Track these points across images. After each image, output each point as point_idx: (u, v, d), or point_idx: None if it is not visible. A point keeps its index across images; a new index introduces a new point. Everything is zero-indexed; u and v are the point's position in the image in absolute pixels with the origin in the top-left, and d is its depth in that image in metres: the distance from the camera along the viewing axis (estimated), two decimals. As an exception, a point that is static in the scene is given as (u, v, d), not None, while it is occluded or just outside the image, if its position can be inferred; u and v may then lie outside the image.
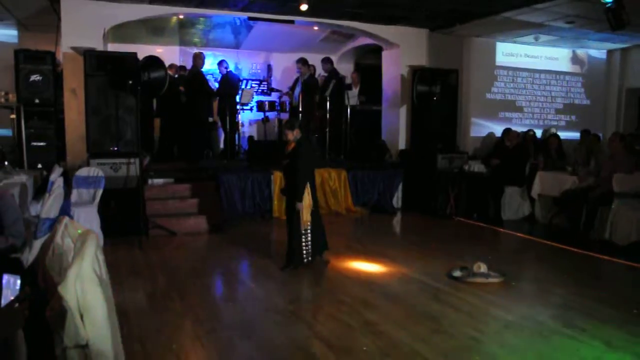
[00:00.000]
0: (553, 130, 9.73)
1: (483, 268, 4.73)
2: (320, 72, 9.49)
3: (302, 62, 8.85)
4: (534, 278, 5.11)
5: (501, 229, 7.11)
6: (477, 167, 8.28)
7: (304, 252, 4.94)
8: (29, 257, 3.34)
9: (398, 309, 4.03)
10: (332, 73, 9.03)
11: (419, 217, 7.91)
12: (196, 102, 8.45)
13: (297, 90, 8.97)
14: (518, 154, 7.91)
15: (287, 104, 9.60)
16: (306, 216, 4.84)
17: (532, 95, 10.33)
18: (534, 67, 10.25)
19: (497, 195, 7.62)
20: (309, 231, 4.92)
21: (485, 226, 7.27)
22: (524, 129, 9.71)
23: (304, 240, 4.91)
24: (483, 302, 4.15)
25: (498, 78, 9.91)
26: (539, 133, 9.91)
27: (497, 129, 9.43)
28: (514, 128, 8.77)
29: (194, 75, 8.55)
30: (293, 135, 4.86)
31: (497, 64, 9.86)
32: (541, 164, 7.80)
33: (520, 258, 5.81)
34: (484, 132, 9.70)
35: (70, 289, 2.03)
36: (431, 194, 8.06)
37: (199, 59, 8.58)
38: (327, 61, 9.15)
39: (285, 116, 9.77)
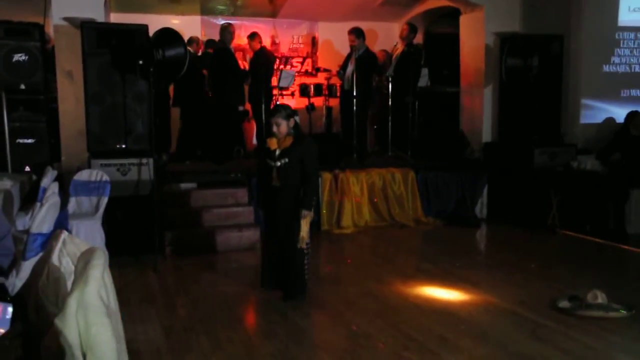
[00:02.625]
0: None
1: (601, 298, 4.59)
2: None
3: (356, 33, 8.83)
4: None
5: (626, 246, 6.85)
6: (591, 163, 8.04)
7: (306, 276, 4.99)
8: (15, 282, 3.36)
9: (485, 349, 3.95)
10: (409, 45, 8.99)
11: (511, 230, 7.76)
12: (224, 86, 8.59)
13: (349, 69, 8.94)
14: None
15: (338, 87, 9.62)
16: (305, 229, 4.84)
17: (671, 64, 9.84)
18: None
19: (620, 200, 7.35)
20: (309, 249, 5.02)
21: (602, 242, 7.03)
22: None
23: (306, 261, 4.97)
24: (602, 344, 4.00)
25: (621, 43, 9.52)
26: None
27: (619, 113, 9.07)
28: (643, 111, 8.42)
29: (221, 52, 8.70)
30: (288, 127, 4.86)
31: (620, 23, 9.47)
32: None
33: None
34: (599, 118, 9.35)
35: (71, 321, 2.07)
36: (527, 200, 7.89)
37: (227, 32, 8.72)
38: (413, 30, 9.10)
39: (335, 102, 9.79)
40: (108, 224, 5.89)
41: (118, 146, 6.57)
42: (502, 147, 8.67)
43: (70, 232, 4.99)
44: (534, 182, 7.91)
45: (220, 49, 8.77)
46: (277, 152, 4.86)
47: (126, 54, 6.38)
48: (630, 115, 8.18)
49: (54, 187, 4.46)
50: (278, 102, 8.83)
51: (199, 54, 9.38)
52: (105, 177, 5.94)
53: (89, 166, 6.27)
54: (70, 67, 7.01)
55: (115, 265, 5.40)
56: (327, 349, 3.98)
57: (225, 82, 8.60)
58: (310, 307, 4.79)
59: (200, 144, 9.01)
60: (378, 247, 7.01)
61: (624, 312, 4.51)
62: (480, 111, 9.02)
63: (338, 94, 9.62)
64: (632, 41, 9.57)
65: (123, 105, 6.55)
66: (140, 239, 6.21)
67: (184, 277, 5.71)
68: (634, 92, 9.61)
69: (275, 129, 4.88)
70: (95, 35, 6.46)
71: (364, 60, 8.72)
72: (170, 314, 4.68)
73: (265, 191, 5.05)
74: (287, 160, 4.84)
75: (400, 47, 9.07)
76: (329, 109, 10.16)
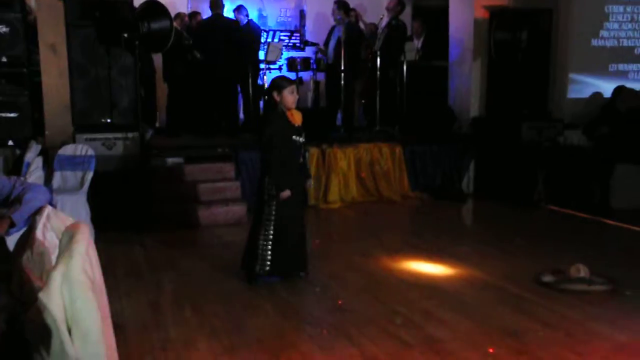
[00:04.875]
0: None
1: (584, 272, 4.65)
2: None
3: (340, 5, 8.78)
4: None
5: (610, 221, 6.92)
6: (577, 138, 8.10)
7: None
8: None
9: (469, 322, 4.00)
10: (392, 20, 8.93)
11: (497, 205, 7.81)
12: (219, 58, 8.49)
13: (332, 43, 8.91)
14: (636, 120, 7.67)
15: (325, 61, 9.57)
16: None
17: (661, 38, 9.85)
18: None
19: (605, 175, 7.41)
20: None
21: (587, 217, 7.10)
22: (646, 86, 9.34)
23: None
24: (584, 317, 4.07)
25: (610, 17, 9.49)
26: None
27: (607, 88, 9.09)
28: (630, 85, 8.45)
29: (218, 22, 8.61)
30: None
31: (610, -4, 9.44)
32: None
33: (638, 260, 5.64)
34: (587, 93, 9.37)
35: (55, 295, 2.09)
36: (513, 175, 7.93)
37: (217, 3, 8.62)
38: (400, 4, 9.03)
39: (322, 77, 9.75)
40: (94, 198, 5.89)
41: (103, 120, 6.55)
42: (490, 122, 8.69)
43: (55, 206, 5.01)
44: (521, 157, 7.95)
45: (217, 18, 8.64)
46: (299, 127, 4.71)
47: (110, 26, 6.32)
48: (617, 90, 8.22)
49: (38, 162, 4.47)
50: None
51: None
52: (91, 152, 5.93)
53: (74, 140, 6.25)
54: (53, 39, 6.89)
55: (101, 240, 5.44)
56: (313, 323, 4.03)
57: (220, 53, 8.50)
58: (298, 282, 4.83)
59: (189, 118, 8.96)
60: (365, 222, 7.06)
61: (605, 285, 4.58)
62: (468, 86, 9.00)
63: (324, 68, 9.58)
64: (622, 15, 9.54)
65: (108, 79, 6.52)
66: (126, 213, 6.22)
67: (171, 252, 5.72)
68: (621, 67, 9.63)
69: (294, 101, 4.67)
70: (79, 7, 6.43)
71: (348, 34, 8.68)
72: (156, 289, 4.70)
73: (293, 170, 4.75)
74: (304, 134, 4.75)
75: (385, 19, 9.01)
76: (317, 83, 10.12)
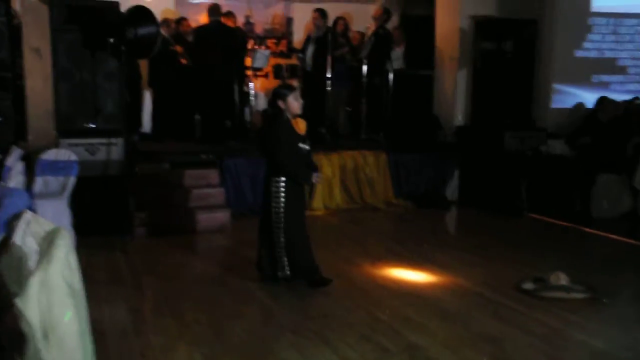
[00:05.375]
0: None
1: (564, 280, 4.70)
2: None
3: (320, 13, 8.84)
4: (635, 295, 5.01)
5: (590, 230, 6.99)
6: (560, 148, 8.16)
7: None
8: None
9: (450, 329, 4.04)
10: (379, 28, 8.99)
11: (480, 213, 7.86)
12: (217, 62, 8.48)
13: (309, 50, 8.97)
14: (617, 131, 7.75)
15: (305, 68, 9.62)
16: None
17: (641, 51, 9.98)
18: (648, 10, 9.87)
19: (587, 185, 7.48)
20: None
21: (568, 225, 7.16)
22: (627, 97, 9.43)
23: None
24: (562, 324, 4.11)
25: (593, 29, 9.61)
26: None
27: (589, 98, 9.19)
28: (612, 96, 8.54)
29: (217, 27, 8.62)
30: None
31: (593, 9, 9.54)
32: None
33: (616, 268, 5.70)
34: (570, 103, 9.47)
35: (32, 301, 2.08)
36: (496, 184, 7.97)
37: (216, 10, 8.68)
38: (386, 13, 9.10)
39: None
40: (76, 204, 5.86)
41: (87, 125, 6.51)
42: (474, 130, 8.73)
43: (35, 212, 4.98)
44: (504, 166, 7.99)
45: (216, 24, 8.67)
46: (304, 135, 4.74)
47: (96, 31, 6.30)
48: (599, 101, 8.29)
49: (19, 167, 4.44)
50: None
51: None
52: (73, 157, 5.90)
53: (57, 145, 6.21)
54: (38, 43, 6.88)
55: (83, 246, 5.42)
56: (294, 329, 4.02)
57: (218, 57, 8.51)
58: (279, 288, 4.82)
59: (174, 124, 8.96)
60: (348, 229, 7.07)
61: (585, 293, 4.63)
62: (453, 94, 9.06)
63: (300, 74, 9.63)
64: (604, 27, 9.67)
65: (93, 84, 6.49)
66: (109, 219, 6.19)
67: (153, 258, 5.70)
68: (604, 77, 9.75)
69: (299, 106, 4.68)
70: (65, 12, 6.38)
71: (322, 41, 8.71)
72: (137, 295, 4.69)
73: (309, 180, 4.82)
74: (309, 142, 4.79)
75: (372, 28, 9.07)
76: (303, 91, 10.10)
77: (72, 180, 5.75)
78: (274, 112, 4.71)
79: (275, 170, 4.68)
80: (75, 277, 2.46)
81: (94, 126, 6.51)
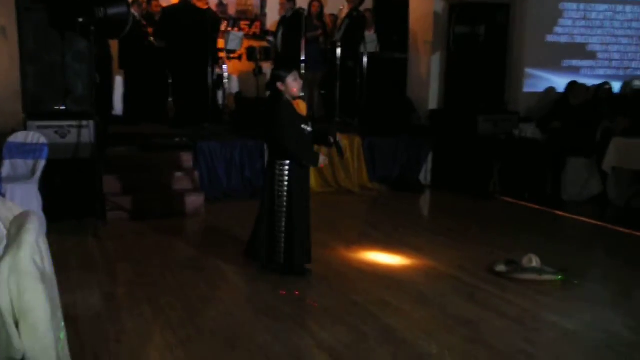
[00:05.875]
0: (638, 82, 9.59)
1: (535, 262, 4.75)
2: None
3: None
4: (604, 276, 5.13)
5: (561, 212, 7.11)
6: (531, 132, 8.26)
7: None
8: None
9: (424, 312, 4.07)
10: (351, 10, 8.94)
11: (453, 196, 7.93)
12: (195, 45, 8.40)
13: (280, 32, 8.92)
14: (587, 115, 7.86)
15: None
16: None
17: (610, 36, 10.07)
18: (617, -4, 9.98)
19: (557, 168, 7.60)
20: None
21: (539, 209, 7.28)
22: (597, 82, 9.57)
23: None
24: (535, 305, 4.18)
25: (564, 14, 9.71)
26: (616, 86, 9.75)
27: (560, 83, 9.31)
28: (582, 80, 8.65)
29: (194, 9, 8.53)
30: None
31: (565, -6, 9.65)
32: (625, 125, 7.59)
33: (586, 250, 5.82)
34: (541, 87, 9.57)
35: (2, 287, 2.03)
36: (470, 167, 8.05)
37: None
38: None
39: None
40: (47, 188, 5.76)
41: (57, 107, 6.38)
42: (448, 114, 8.79)
43: (4, 195, 4.87)
44: (477, 149, 8.07)
45: (184, 4, 8.51)
46: (305, 117, 4.63)
47: (65, 10, 6.14)
48: (570, 85, 8.40)
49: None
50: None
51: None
52: (43, 140, 5.79)
53: (25, 128, 6.08)
54: (4, 23, 6.74)
55: (55, 230, 5.35)
56: (270, 314, 4.01)
57: (186, 39, 8.37)
58: (254, 273, 4.81)
59: (148, 106, 8.83)
60: (323, 213, 7.01)
61: (556, 275, 4.70)
62: (427, 78, 9.09)
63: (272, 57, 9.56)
64: (575, 12, 9.77)
65: (62, 65, 6.33)
66: (80, 203, 6.09)
67: (126, 243, 5.63)
68: (575, 62, 9.87)
69: (299, 87, 4.57)
70: (31, -11, 6.20)
71: (292, 22, 8.65)
72: (111, 280, 4.63)
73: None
74: (310, 123, 4.67)
75: (345, 10, 9.02)
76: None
77: (41, 164, 5.66)
78: (273, 95, 4.60)
79: (280, 154, 4.58)
80: (47, 262, 2.41)
81: (63, 108, 6.37)
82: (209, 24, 8.58)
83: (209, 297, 4.35)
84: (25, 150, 5.74)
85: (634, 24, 10.17)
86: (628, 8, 10.07)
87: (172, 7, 8.81)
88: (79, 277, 4.62)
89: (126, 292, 4.37)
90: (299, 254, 4.65)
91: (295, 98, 4.58)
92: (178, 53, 8.34)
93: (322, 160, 4.64)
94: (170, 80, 8.79)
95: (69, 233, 5.74)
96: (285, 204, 4.59)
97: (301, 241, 4.66)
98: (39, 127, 6.08)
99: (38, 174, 5.60)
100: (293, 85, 4.50)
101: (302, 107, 4.61)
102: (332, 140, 4.74)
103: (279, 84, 4.51)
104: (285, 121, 4.48)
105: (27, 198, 5.31)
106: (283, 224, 4.62)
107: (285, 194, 4.58)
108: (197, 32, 8.32)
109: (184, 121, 8.31)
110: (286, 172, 4.56)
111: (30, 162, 5.72)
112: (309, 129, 4.61)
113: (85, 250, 5.35)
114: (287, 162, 4.55)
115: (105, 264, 5.02)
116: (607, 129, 7.83)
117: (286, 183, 4.57)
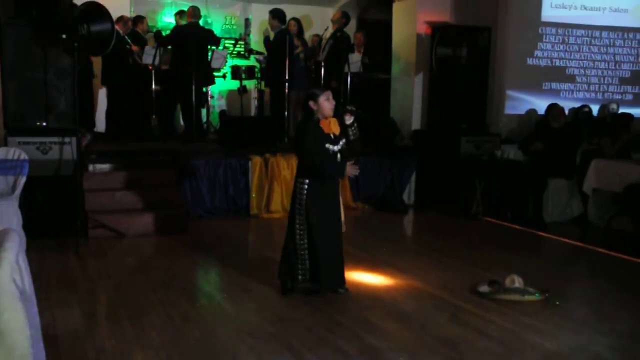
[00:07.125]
0: (614, 106, 9.74)
1: (518, 282, 4.76)
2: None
3: (272, 14, 8.85)
4: (586, 297, 5.14)
5: (543, 233, 7.14)
6: (513, 153, 8.31)
7: None
8: None
9: (407, 332, 4.05)
10: (336, 31, 9.03)
11: (437, 217, 7.95)
12: (192, 64, 8.58)
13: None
14: (567, 137, 7.93)
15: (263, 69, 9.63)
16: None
17: (588, 60, 10.26)
18: (593, 22, 10.14)
19: (539, 189, 7.64)
20: None
21: (522, 229, 7.31)
22: (576, 104, 9.72)
23: None
24: (517, 326, 4.17)
25: (544, 38, 9.87)
26: (595, 109, 9.91)
27: (541, 105, 9.42)
28: (562, 103, 8.75)
29: (197, 29, 8.80)
30: None
31: (543, 19, 9.81)
32: (607, 147, 7.66)
33: (568, 271, 5.84)
34: (522, 109, 9.70)
35: (-20, 306, 2.00)
36: (452, 188, 8.09)
37: (195, 13, 8.87)
38: (345, 17, 9.20)
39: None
40: (27, 205, 5.70)
41: (38, 124, 6.32)
42: (431, 135, 8.85)
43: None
44: (460, 170, 8.11)
45: (195, 26, 8.68)
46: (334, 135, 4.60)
47: (48, 26, 6.12)
48: (550, 108, 8.48)
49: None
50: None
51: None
52: (24, 156, 5.72)
53: (6, 144, 6.03)
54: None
55: (35, 248, 5.29)
56: (253, 333, 3.97)
57: (190, 59, 8.50)
58: (238, 292, 4.77)
59: (130, 123, 8.81)
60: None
61: (538, 295, 4.71)
62: (410, 99, 9.16)
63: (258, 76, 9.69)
64: (554, 36, 9.95)
65: (44, 81, 6.29)
66: (61, 221, 6.04)
67: (107, 261, 5.57)
68: (555, 85, 10.03)
69: (331, 107, 4.56)
70: (13, 4, 6.16)
71: (277, 42, 8.71)
72: (91, 299, 4.56)
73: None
74: (342, 142, 4.65)
75: (330, 31, 9.10)
76: (261, 92, 10.09)
77: (22, 180, 5.58)
78: (306, 113, 4.64)
79: (302, 171, 4.60)
80: (26, 281, 2.37)
81: (45, 125, 6.32)
82: (213, 43, 8.94)
83: (192, 316, 4.30)
84: (5, 167, 5.66)
85: (610, 49, 10.39)
86: (604, 34, 10.30)
87: (183, 27, 8.91)
88: (59, 296, 4.55)
89: (107, 312, 4.31)
90: (325, 274, 4.61)
91: (327, 117, 4.58)
92: (183, 73, 8.46)
93: (351, 170, 4.63)
94: (155, 98, 8.83)
95: (50, 250, 5.68)
96: (305, 221, 4.59)
97: (325, 258, 4.60)
98: (20, 143, 6.03)
99: (18, 190, 5.52)
100: (326, 104, 4.53)
101: (333, 126, 4.60)
102: (350, 117, 4.73)
103: (311, 103, 4.54)
104: (308, 140, 4.49)
105: (6, 215, 5.23)
106: (305, 241, 4.60)
107: (304, 211, 4.57)
108: (203, 51, 8.68)
109: (168, 138, 8.34)
110: (305, 190, 4.56)
111: (10, 179, 5.64)
112: (334, 148, 4.58)
113: (65, 269, 5.27)
114: (307, 180, 4.56)
115: (86, 283, 4.94)
116: (586, 152, 7.92)
117: (304, 200, 4.56)
